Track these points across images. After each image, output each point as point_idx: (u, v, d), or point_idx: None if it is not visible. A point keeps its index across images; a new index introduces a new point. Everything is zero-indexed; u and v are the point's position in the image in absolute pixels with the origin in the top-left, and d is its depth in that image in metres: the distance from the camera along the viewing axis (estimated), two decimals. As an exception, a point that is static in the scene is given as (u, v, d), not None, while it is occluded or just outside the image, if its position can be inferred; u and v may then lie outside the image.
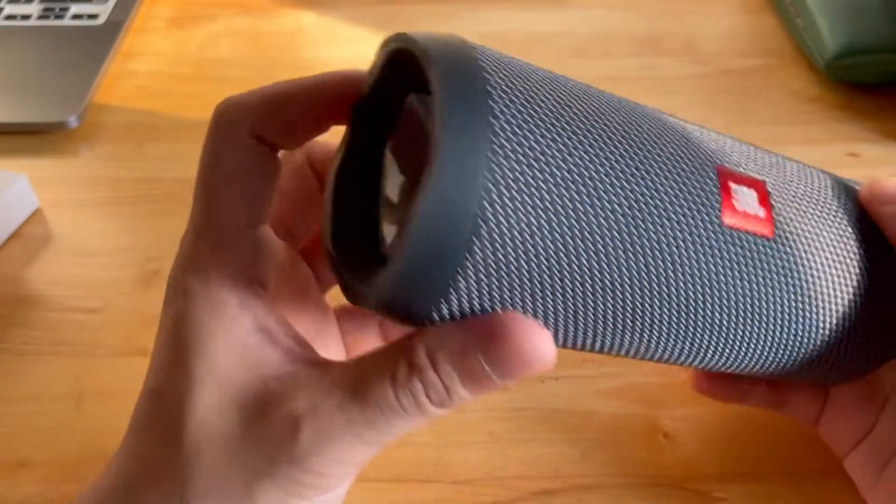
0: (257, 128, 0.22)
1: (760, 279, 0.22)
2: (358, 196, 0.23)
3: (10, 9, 0.54)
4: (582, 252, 0.19)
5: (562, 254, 0.19)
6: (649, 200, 0.20)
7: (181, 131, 0.46)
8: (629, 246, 0.20)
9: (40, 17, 0.53)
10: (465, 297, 0.19)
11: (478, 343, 0.19)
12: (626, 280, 0.20)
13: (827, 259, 0.24)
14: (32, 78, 0.48)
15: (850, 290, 0.24)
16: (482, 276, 0.18)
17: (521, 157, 0.18)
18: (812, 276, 0.23)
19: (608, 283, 0.20)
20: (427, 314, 0.19)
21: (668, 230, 0.20)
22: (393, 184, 0.22)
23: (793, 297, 0.23)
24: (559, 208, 0.19)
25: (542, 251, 0.19)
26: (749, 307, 0.22)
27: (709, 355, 0.23)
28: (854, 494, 0.29)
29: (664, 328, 0.22)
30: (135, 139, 0.46)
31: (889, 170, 0.43)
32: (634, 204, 0.20)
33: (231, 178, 0.21)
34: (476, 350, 0.19)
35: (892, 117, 0.46)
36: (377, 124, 0.23)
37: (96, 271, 0.38)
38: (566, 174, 0.19)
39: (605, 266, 0.20)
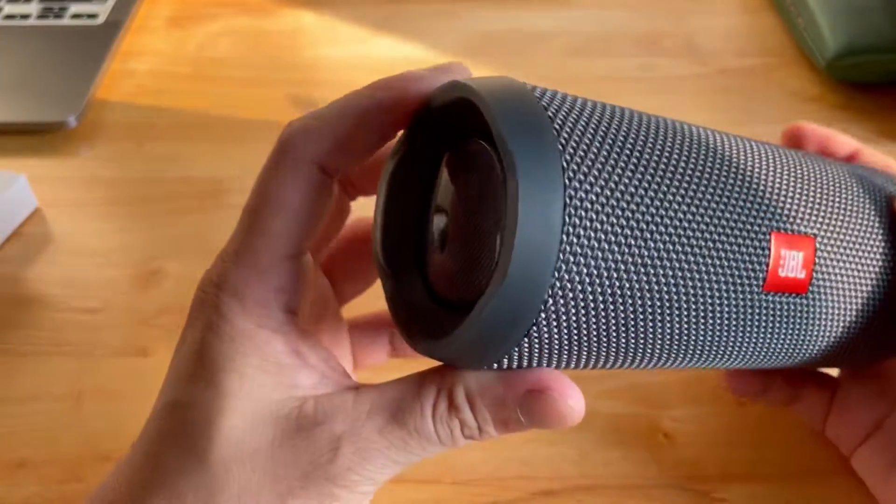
0: (324, 158, 0.22)
1: (781, 328, 0.23)
2: (406, 205, 0.23)
3: (9, 8, 0.54)
4: (631, 320, 0.20)
5: (618, 325, 0.19)
6: (702, 269, 0.20)
7: (181, 131, 0.46)
8: (675, 312, 0.20)
9: (39, 17, 0.53)
10: (518, 357, 0.19)
11: (517, 398, 0.20)
12: (660, 338, 0.21)
13: (853, 283, 0.24)
14: (32, 78, 0.48)
15: (867, 293, 0.24)
16: (543, 341, 0.19)
17: (595, 223, 0.18)
18: (834, 314, 0.24)
19: (645, 340, 0.21)
20: (479, 366, 0.20)
21: (710, 296, 0.21)
22: (444, 195, 0.22)
23: (806, 337, 0.24)
24: (623, 280, 0.19)
25: (600, 321, 0.19)
26: (764, 348, 0.23)
27: (716, 365, 0.24)
28: (854, 495, 0.29)
29: (679, 360, 0.22)
30: (134, 139, 0.46)
31: (889, 170, 0.43)
32: (688, 273, 0.20)
33: (286, 209, 0.22)
34: (515, 403, 0.20)
35: (892, 117, 0.46)
36: (433, 137, 0.22)
37: (95, 271, 0.38)
38: (634, 242, 0.19)
39: (650, 328, 0.20)
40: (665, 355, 0.22)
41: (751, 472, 0.30)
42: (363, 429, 0.21)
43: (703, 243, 0.20)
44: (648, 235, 0.19)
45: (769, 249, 0.21)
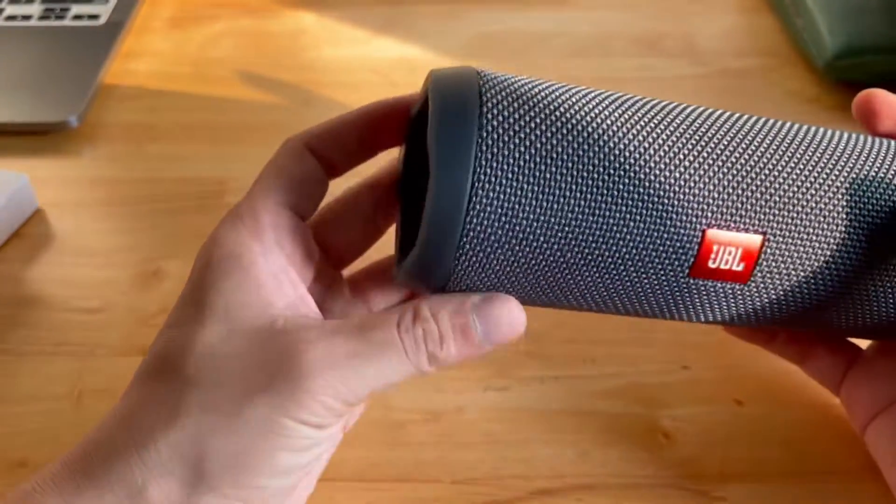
0: (313, 142, 0.26)
1: (716, 307, 0.25)
2: (411, 200, 0.27)
3: (10, 9, 0.54)
4: (536, 268, 0.24)
5: (525, 271, 0.24)
6: (615, 250, 0.24)
7: (181, 131, 0.47)
8: (594, 266, 0.24)
9: (41, 18, 0.53)
10: (464, 276, 0.23)
11: (472, 305, 0.24)
12: (588, 293, 0.25)
13: (812, 274, 0.25)
14: (33, 78, 0.48)
15: (833, 282, 0.25)
16: (474, 261, 0.23)
17: (504, 180, 0.22)
18: (784, 302, 0.26)
19: (570, 289, 0.25)
20: (441, 288, 0.24)
21: (630, 276, 0.24)
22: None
23: (750, 317, 0.26)
24: (527, 238, 0.23)
25: (519, 254, 0.23)
26: (700, 317, 0.26)
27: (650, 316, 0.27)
28: (853, 495, 0.30)
29: (607, 309, 0.26)
30: (135, 139, 0.46)
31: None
32: (593, 246, 0.24)
33: (281, 171, 0.26)
34: (470, 310, 0.24)
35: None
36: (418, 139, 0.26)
37: (97, 271, 0.39)
38: (540, 209, 0.23)
39: (571, 280, 0.24)
40: (584, 301, 0.26)
41: (750, 472, 0.31)
42: (329, 337, 0.23)
43: (624, 229, 0.23)
44: (556, 206, 0.23)
45: (698, 242, 0.24)
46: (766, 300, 0.25)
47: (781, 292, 0.25)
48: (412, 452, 0.31)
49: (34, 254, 0.40)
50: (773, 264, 0.25)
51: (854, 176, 0.25)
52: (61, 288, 0.38)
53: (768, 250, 0.24)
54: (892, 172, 0.26)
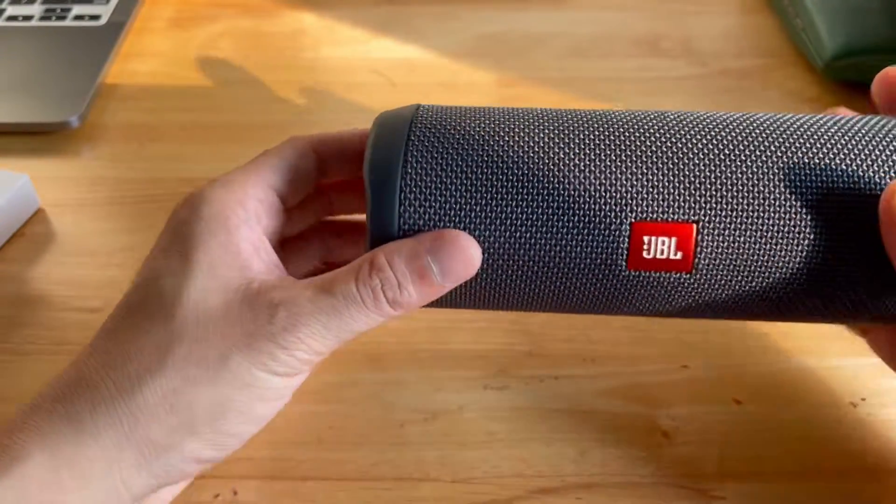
0: (318, 146, 0.29)
1: (665, 297, 0.27)
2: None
3: (11, 10, 0.54)
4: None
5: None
6: (546, 249, 0.26)
7: (182, 131, 0.47)
8: (515, 273, 0.26)
9: (42, 18, 0.53)
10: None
11: (426, 246, 0.25)
12: (531, 298, 0.27)
13: (758, 257, 0.26)
14: (34, 78, 0.48)
15: (784, 264, 0.26)
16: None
17: (425, 210, 0.26)
18: (733, 289, 0.26)
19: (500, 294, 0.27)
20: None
21: (569, 274, 0.26)
22: None
23: (705, 307, 0.27)
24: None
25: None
26: (651, 308, 0.27)
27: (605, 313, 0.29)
28: (853, 494, 0.30)
29: (556, 307, 0.28)
30: (136, 139, 0.46)
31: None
32: (527, 249, 0.26)
33: (280, 156, 0.28)
34: (425, 252, 0.25)
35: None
36: None
37: (98, 271, 0.39)
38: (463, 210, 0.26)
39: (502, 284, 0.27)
40: (533, 305, 0.28)
41: (749, 471, 0.31)
42: (297, 297, 0.25)
43: (546, 229, 0.25)
44: (477, 211, 0.25)
45: (627, 236, 0.25)
46: (716, 287, 0.26)
47: (729, 278, 0.26)
48: (412, 452, 0.31)
49: (35, 254, 0.40)
50: (715, 251, 0.25)
51: (788, 160, 0.25)
52: (62, 287, 0.38)
53: (706, 238, 0.25)
54: (833, 155, 0.25)
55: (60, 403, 0.24)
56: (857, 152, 0.25)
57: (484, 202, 0.25)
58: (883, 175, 0.25)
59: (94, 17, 0.53)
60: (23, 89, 0.47)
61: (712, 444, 0.31)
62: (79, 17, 0.53)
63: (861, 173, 0.25)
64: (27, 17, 0.53)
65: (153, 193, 0.43)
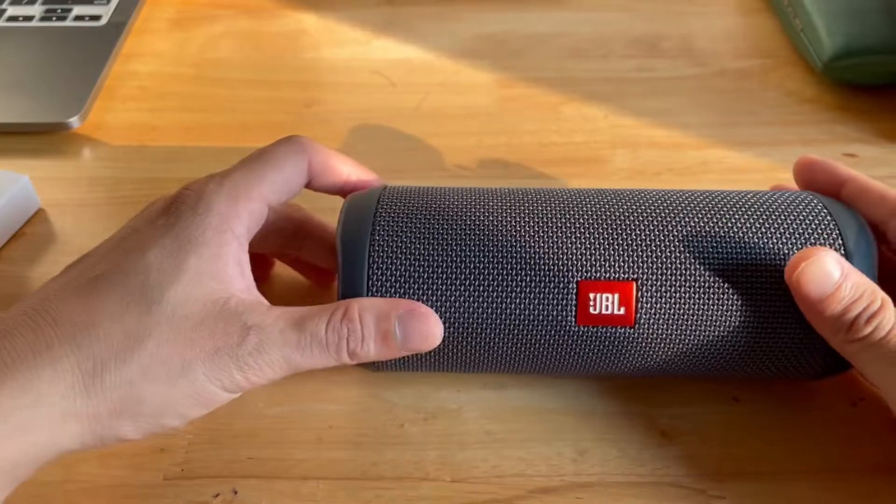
0: (314, 159, 0.30)
1: (612, 350, 0.29)
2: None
3: (12, 10, 0.54)
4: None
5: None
6: (504, 308, 0.28)
7: (183, 132, 0.47)
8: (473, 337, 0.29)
9: (42, 19, 0.53)
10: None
11: (398, 312, 0.27)
12: (488, 360, 0.30)
13: (693, 314, 0.28)
14: (35, 79, 0.48)
15: (715, 323, 0.29)
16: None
17: (389, 282, 0.29)
18: (672, 343, 0.29)
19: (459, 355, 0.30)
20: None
21: (524, 331, 0.29)
22: None
23: (642, 358, 0.30)
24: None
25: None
26: (601, 365, 0.30)
27: (563, 373, 0.32)
28: (852, 493, 0.30)
29: (510, 368, 0.31)
30: (136, 140, 0.46)
31: (886, 170, 0.43)
32: (485, 310, 0.29)
33: (281, 168, 0.30)
34: (394, 317, 0.27)
35: (889, 118, 0.46)
36: None
37: (98, 271, 0.39)
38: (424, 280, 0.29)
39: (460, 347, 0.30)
40: (491, 366, 0.30)
41: (748, 471, 0.31)
42: (269, 326, 0.26)
43: (501, 293, 0.28)
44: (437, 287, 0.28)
45: (575, 293, 0.28)
46: (658, 341, 0.29)
47: (669, 332, 0.28)
48: (412, 451, 0.31)
49: (36, 253, 0.40)
50: (654, 306, 0.28)
51: (713, 227, 0.29)
52: (63, 287, 0.38)
53: (645, 294, 0.28)
54: (751, 224, 0.29)
55: (16, 369, 0.24)
56: (777, 225, 0.29)
57: (444, 266, 0.28)
58: (791, 246, 0.29)
59: (95, 18, 0.53)
60: (23, 90, 0.47)
61: (712, 444, 0.32)
62: (79, 18, 0.53)
63: (775, 242, 0.29)
64: (28, 18, 0.53)
65: (153, 193, 0.42)
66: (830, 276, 0.27)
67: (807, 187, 0.33)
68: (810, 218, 0.29)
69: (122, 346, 0.25)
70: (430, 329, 0.28)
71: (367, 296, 0.28)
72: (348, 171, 0.32)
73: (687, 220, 0.29)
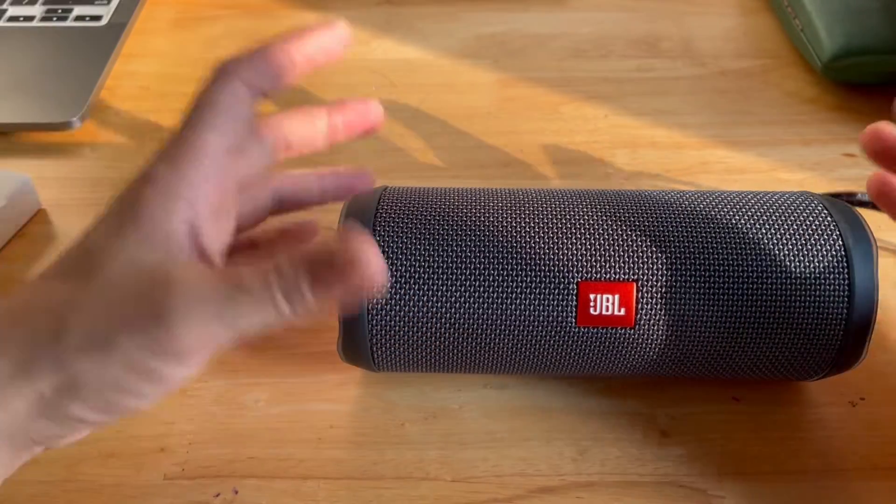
0: (250, 78, 0.28)
1: (618, 354, 0.29)
2: None
3: (13, 10, 0.54)
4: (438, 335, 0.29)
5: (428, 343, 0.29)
6: (505, 309, 0.29)
7: (183, 132, 0.47)
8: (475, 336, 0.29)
9: (43, 19, 0.53)
10: (383, 359, 0.30)
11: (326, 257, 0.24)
12: (492, 361, 0.30)
13: (691, 315, 0.28)
14: (36, 79, 0.48)
15: (713, 323, 0.29)
16: (385, 346, 0.29)
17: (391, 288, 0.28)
18: (672, 343, 0.29)
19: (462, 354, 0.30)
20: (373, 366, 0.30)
21: (525, 332, 0.29)
22: None
23: (649, 361, 0.30)
24: (417, 311, 0.29)
25: (417, 338, 0.29)
26: (600, 364, 0.30)
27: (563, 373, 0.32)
28: (852, 493, 0.30)
29: (513, 368, 0.31)
30: (137, 139, 0.46)
31: (886, 170, 0.43)
32: (487, 310, 0.29)
33: (228, 113, 0.27)
34: (325, 254, 0.24)
35: (889, 118, 0.46)
36: None
37: (99, 271, 0.39)
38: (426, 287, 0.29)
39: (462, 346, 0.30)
40: (495, 366, 0.30)
41: (748, 471, 0.31)
42: (196, 279, 0.24)
43: (501, 293, 0.28)
44: (437, 286, 0.28)
45: (575, 293, 0.28)
46: (655, 340, 0.29)
47: (668, 332, 0.28)
48: (412, 451, 0.31)
49: (37, 253, 0.40)
50: (654, 306, 0.28)
51: (713, 227, 0.29)
52: (64, 287, 0.38)
53: (645, 295, 0.28)
54: (751, 225, 0.29)
55: None
56: (777, 225, 0.29)
57: (444, 266, 0.28)
58: (791, 246, 0.29)
59: (96, 18, 0.53)
60: (24, 90, 0.48)
61: (712, 444, 0.32)
62: (80, 18, 0.53)
63: (775, 242, 0.29)
64: (28, 18, 0.53)
65: (154, 194, 0.43)
66: None
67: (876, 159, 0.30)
68: (811, 218, 0.29)
69: (56, 323, 0.24)
70: (370, 267, 0.23)
71: (370, 312, 0.28)
72: (288, 54, 0.29)
73: (687, 220, 0.29)
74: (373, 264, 0.23)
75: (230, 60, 0.28)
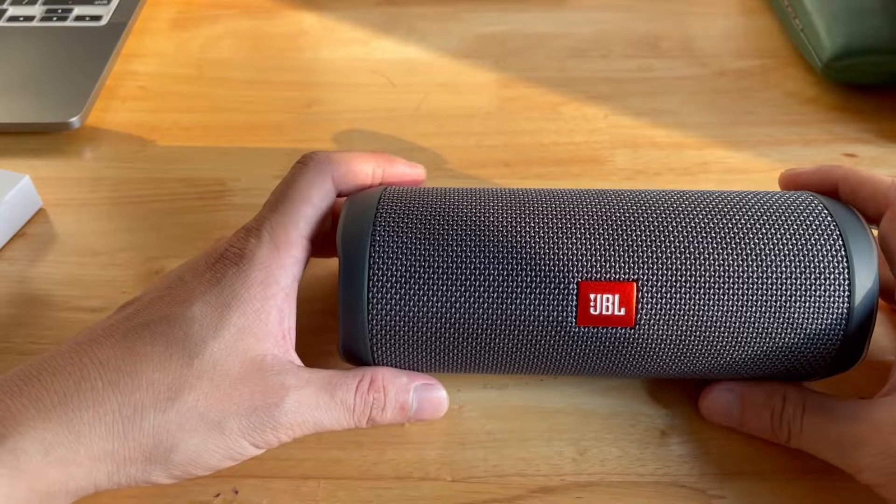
0: (336, 176, 0.31)
1: (613, 351, 0.29)
2: None
3: (13, 10, 0.54)
4: (438, 341, 0.29)
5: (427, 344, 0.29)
6: (505, 309, 0.28)
7: (183, 132, 0.47)
8: (480, 338, 0.29)
9: (43, 19, 0.53)
10: (383, 356, 0.30)
11: (416, 384, 0.30)
12: (491, 361, 0.30)
13: (693, 314, 0.28)
14: (36, 79, 0.48)
15: (713, 322, 0.29)
16: (385, 345, 0.29)
17: (387, 289, 0.28)
18: (672, 344, 0.29)
19: (461, 357, 0.30)
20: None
21: (525, 332, 0.29)
22: None
23: (650, 361, 0.30)
24: (418, 312, 0.29)
25: (418, 338, 0.29)
26: (601, 366, 0.30)
27: (560, 373, 0.31)
28: (852, 492, 0.30)
29: (516, 369, 0.31)
30: (137, 140, 0.46)
31: (885, 170, 0.43)
32: (489, 311, 0.28)
33: (309, 200, 0.30)
34: (412, 391, 0.30)
35: (889, 118, 0.46)
36: None
37: (99, 271, 0.39)
38: (425, 296, 0.28)
39: (459, 347, 0.29)
40: (494, 366, 0.30)
41: (749, 470, 0.31)
42: (305, 388, 0.27)
43: (501, 293, 0.28)
44: (437, 291, 0.28)
45: (576, 293, 0.28)
46: (655, 340, 0.29)
47: (669, 332, 0.28)
48: (412, 451, 0.31)
49: (37, 253, 0.40)
50: (654, 306, 0.28)
51: (714, 226, 0.29)
52: (64, 287, 0.38)
53: (646, 295, 0.28)
54: (751, 225, 0.29)
55: (62, 407, 0.25)
56: (777, 225, 0.29)
57: (444, 266, 0.28)
58: (791, 246, 0.28)
59: (96, 18, 0.53)
60: (24, 90, 0.48)
61: (712, 444, 0.32)
62: (80, 18, 0.53)
63: (775, 242, 0.28)
64: (28, 18, 0.53)
65: (154, 193, 0.43)
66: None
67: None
68: (811, 218, 0.29)
69: (163, 396, 0.25)
70: (440, 403, 0.31)
71: (368, 296, 0.28)
72: (371, 168, 0.32)
73: (687, 220, 0.29)
74: (445, 400, 0.32)
75: (322, 155, 0.31)
